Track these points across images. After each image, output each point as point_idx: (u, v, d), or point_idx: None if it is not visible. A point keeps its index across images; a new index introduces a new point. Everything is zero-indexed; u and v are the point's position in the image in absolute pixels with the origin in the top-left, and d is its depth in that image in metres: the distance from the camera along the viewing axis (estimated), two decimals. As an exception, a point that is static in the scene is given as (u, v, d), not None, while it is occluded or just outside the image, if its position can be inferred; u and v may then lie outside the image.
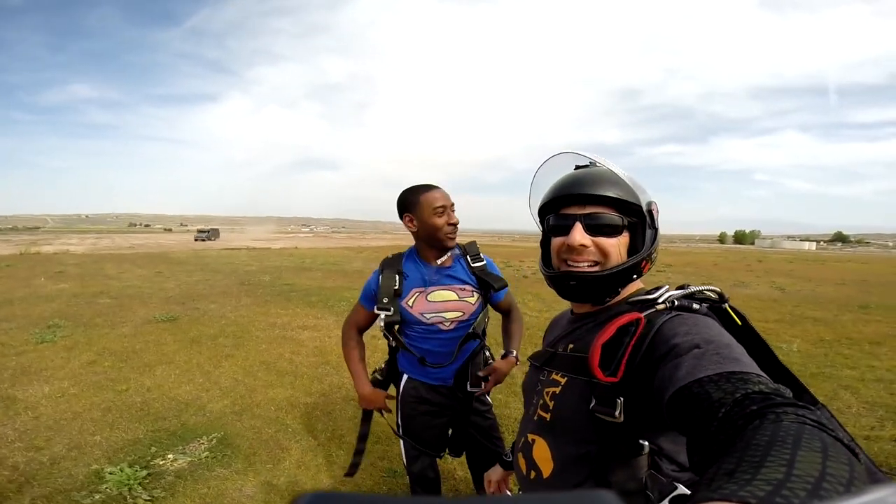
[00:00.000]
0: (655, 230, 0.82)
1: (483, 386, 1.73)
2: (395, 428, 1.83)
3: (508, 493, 1.34)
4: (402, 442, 1.83)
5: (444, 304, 1.67)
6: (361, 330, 1.83)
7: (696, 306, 0.74)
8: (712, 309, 0.76)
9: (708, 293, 0.78)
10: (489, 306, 1.79)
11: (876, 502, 0.21)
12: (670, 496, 0.69)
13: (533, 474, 0.84)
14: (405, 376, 1.78)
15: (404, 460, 1.85)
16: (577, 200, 0.81)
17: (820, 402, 0.72)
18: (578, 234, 0.78)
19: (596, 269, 0.79)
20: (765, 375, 0.55)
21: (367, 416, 1.91)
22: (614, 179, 0.80)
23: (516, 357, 1.76)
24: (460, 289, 1.69)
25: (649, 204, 0.81)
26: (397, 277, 1.68)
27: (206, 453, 2.74)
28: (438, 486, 1.93)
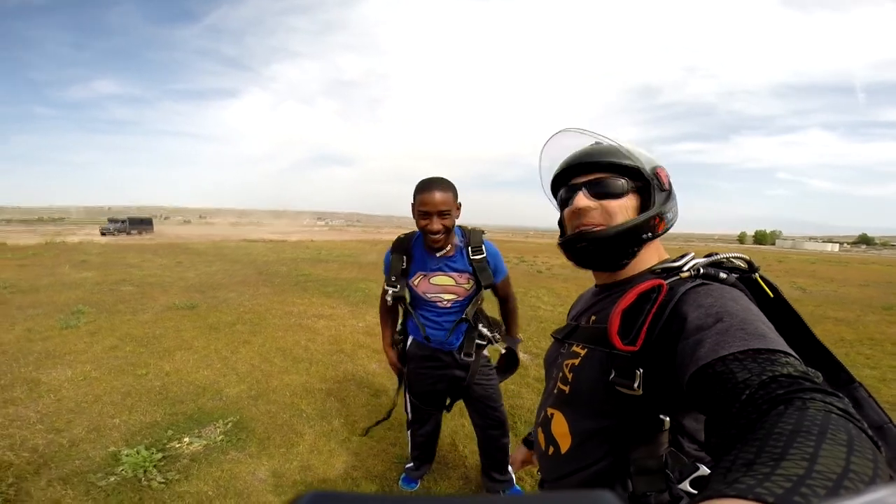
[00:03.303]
0: (668, 192, 0.80)
1: (473, 357, 1.92)
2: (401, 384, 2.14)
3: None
4: (406, 397, 2.15)
5: (443, 286, 1.83)
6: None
7: (723, 276, 0.68)
8: (742, 279, 0.71)
9: (737, 262, 0.73)
10: (482, 292, 1.90)
11: (876, 502, 0.20)
12: (691, 477, 0.66)
13: (551, 450, 0.82)
14: (411, 337, 2.02)
15: (408, 414, 2.20)
16: (582, 170, 0.82)
17: (857, 381, 0.67)
18: (581, 197, 0.79)
19: (602, 227, 0.77)
20: (794, 355, 0.52)
21: (399, 377, 2.14)
22: (614, 148, 0.81)
23: (515, 342, 1.98)
24: (458, 275, 1.82)
25: (655, 168, 0.79)
26: (405, 258, 1.83)
27: (221, 437, 2.75)
28: (435, 439, 2.30)
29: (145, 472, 2.34)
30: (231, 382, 3.72)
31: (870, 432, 0.37)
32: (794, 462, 0.31)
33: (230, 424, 2.93)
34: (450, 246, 1.79)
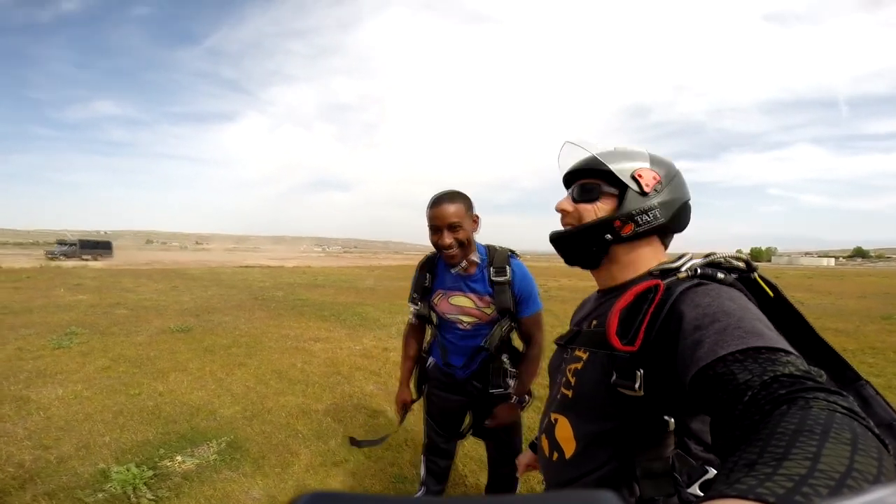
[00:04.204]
0: (649, 195, 0.80)
1: (505, 389, 1.75)
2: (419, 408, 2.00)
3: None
4: (424, 419, 1.99)
5: (462, 307, 1.71)
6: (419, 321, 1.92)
7: (721, 276, 0.68)
8: (741, 280, 0.71)
9: (734, 262, 0.73)
10: (511, 322, 1.71)
11: (876, 502, 0.20)
12: (700, 481, 0.65)
13: (555, 455, 0.81)
14: (431, 358, 1.93)
15: (425, 437, 2.00)
16: (574, 177, 0.88)
17: (863, 379, 0.66)
18: (560, 201, 0.87)
19: (570, 227, 0.85)
20: (794, 353, 0.51)
21: (403, 414, 1.98)
22: (594, 156, 0.85)
23: (519, 402, 1.70)
24: (478, 298, 1.67)
25: (635, 172, 0.80)
26: (429, 276, 1.76)
27: (214, 456, 2.68)
28: (448, 471, 2.05)
29: (135, 489, 2.27)
30: (226, 403, 3.64)
31: (876, 430, 0.37)
32: (796, 462, 0.30)
33: (224, 444, 2.85)
34: (467, 263, 1.63)
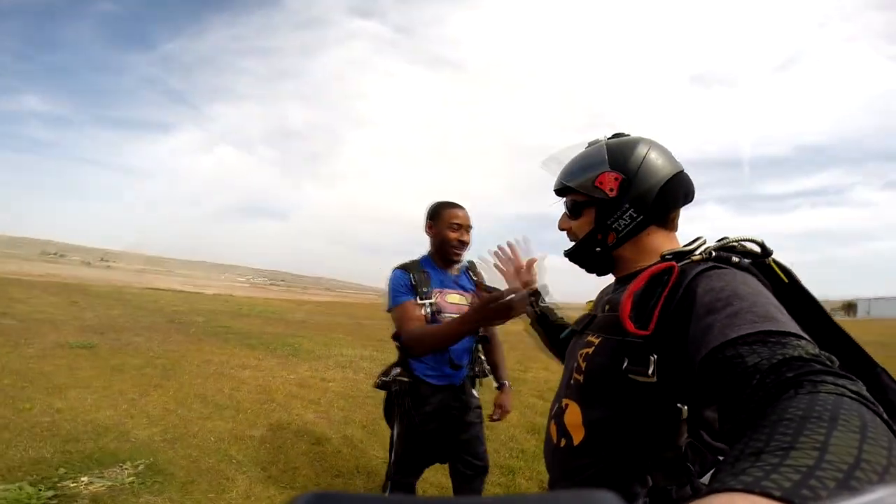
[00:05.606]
0: (618, 198, 0.80)
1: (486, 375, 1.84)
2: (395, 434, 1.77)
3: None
4: (394, 447, 1.76)
5: (458, 306, 1.75)
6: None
7: (735, 259, 0.67)
8: (755, 264, 0.70)
9: (749, 246, 0.72)
10: None
11: (876, 502, 0.20)
12: (712, 471, 0.65)
13: (563, 442, 0.78)
14: (423, 374, 1.72)
15: (391, 467, 1.75)
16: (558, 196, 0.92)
17: (879, 367, 0.65)
18: (560, 219, 0.91)
19: (573, 244, 0.88)
20: (806, 337, 0.51)
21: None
22: (565, 169, 0.89)
23: (509, 386, 1.92)
24: (469, 295, 1.79)
25: (596, 178, 0.81)
26: (423, 275, 1.74)
27: (131, 478, 2.30)
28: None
29: (30, 512, 1.87)
30: (141, 425, 3.19)
31: (885, 416, 0.36)
32: (803, 452, 0.29)
33: (141, 466, 2.47)
34: (455, 267, 1.83)
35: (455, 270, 1.84)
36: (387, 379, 1.74)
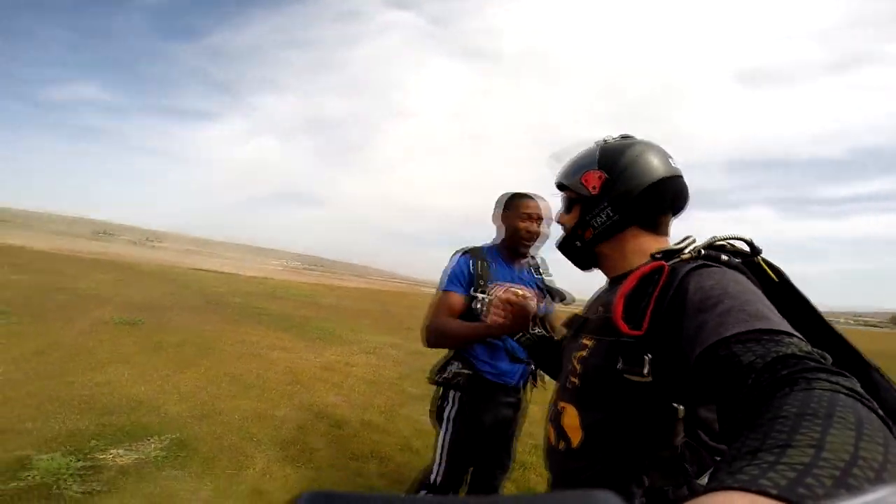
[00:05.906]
0: (598, 196, 0.83)
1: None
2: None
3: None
4: (444, 450, 1.62)
5: None
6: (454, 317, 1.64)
7: (725, 258, 0.68)
8: (745, 263, 0.70)
9: (737, 244, 0.73)
10: None
11: (876, 502, 0.20)
12: (710, 471, 0.64)
13: (562, 444, 0.79)
14: (478, 367, 1.63)
15: (438, 475, 1.61)
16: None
17: (872, 365, 0.65)
18: (557, 215, 0.96)
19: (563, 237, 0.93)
20: (798, 335, 0.51)
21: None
22: (564, 167, 0.92)
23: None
24: (534, 292, 1.62)
25: (582, 176, 0.84)
26: (486, 265, 1.67)
27: (157, 452, 2.41)
28: None
29: (61, 479, 1.98)
30: (172, 400, 3.33)
31: (880, 412, 0.36)
32: (800, 449, 0.29)
33: (168, 441, 2.57)
34: (522, 262, 1.74)
35: (521, 265, 1.74)
36: (446, 376, 1.63)
